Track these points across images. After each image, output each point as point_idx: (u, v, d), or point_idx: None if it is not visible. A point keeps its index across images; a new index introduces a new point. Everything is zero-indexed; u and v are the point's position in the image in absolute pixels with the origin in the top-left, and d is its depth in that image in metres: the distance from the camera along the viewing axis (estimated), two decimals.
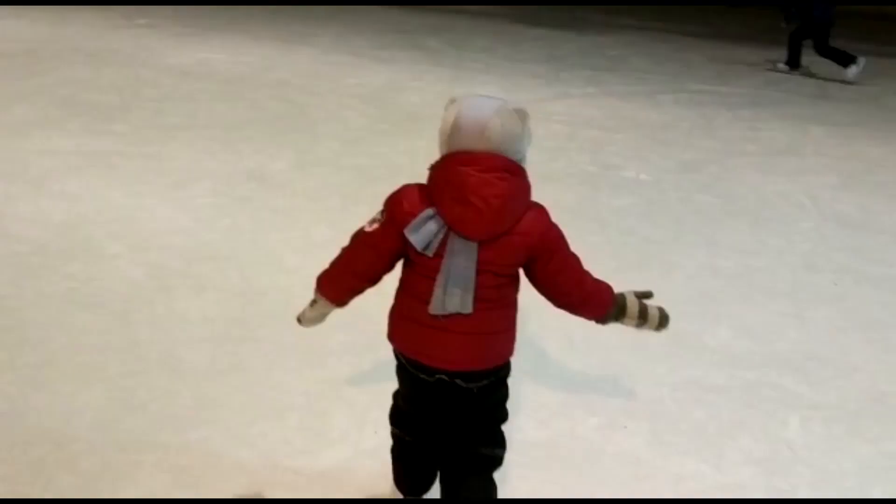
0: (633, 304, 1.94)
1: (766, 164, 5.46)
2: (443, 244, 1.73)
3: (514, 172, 1.74)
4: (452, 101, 1.79)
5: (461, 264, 1.73)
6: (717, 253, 4.04)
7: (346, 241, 1.88)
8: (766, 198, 4.84)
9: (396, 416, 2.06)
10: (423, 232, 1.73)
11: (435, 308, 1.76)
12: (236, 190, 4.44)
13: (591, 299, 1.89)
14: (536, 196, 1.80)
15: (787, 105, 7.12)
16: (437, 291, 1.75)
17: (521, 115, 1.77)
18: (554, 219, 1.81)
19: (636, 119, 6.41)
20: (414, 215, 1.73)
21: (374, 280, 1.89)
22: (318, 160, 5.02)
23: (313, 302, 1.96)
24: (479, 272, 1.75)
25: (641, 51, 9.41)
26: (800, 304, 3.55)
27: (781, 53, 8.63)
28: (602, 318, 1.93)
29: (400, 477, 2.10)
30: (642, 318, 1.94)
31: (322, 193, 4.46)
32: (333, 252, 1.90)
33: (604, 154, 5.49)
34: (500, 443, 1.96)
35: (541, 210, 1.81)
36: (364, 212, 1.88)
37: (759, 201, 4.78)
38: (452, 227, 1.72)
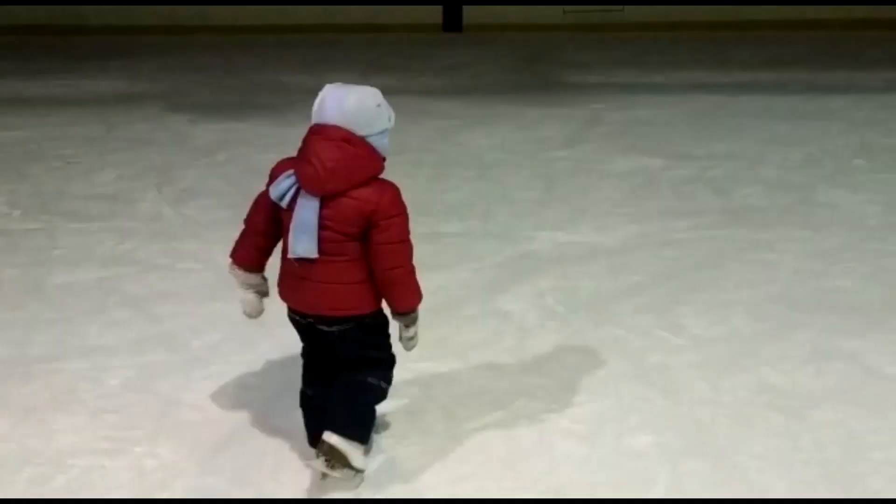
0: (415, 321, 2.35)
1: None
2: (294, 199, 2.16)
3: (352, 143, 2.16)
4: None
5: (305, 215, 2.14)
6: None
7: None
8: None
9: (303, 373, 2.47)
10: (279, 187, 2.19)
11: (290, 252, 2.19)
12: None
13: (397, 287, 2.24)
14: None
15: None
16: (290, 237, 2.18)
17: (372, 95, 2.22)
18: None
19: None
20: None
21: (267, 234, 2.33)
22: None
23: (242, 282, 2.38)
24: (322, 227, 2.15)
25: None
26: None
27: None
28: (398, 313, 2.31)
29: (308, 429, 2.45)
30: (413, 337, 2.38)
31: None
32: None
33: None
34: (384, 377, 2.35)
35: (388, 186, 2.22)
36: None
37: None
38: (299, 183, 2.17)
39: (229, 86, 8.21)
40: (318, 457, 2.24)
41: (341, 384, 2.31)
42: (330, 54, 9.57)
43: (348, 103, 2.15)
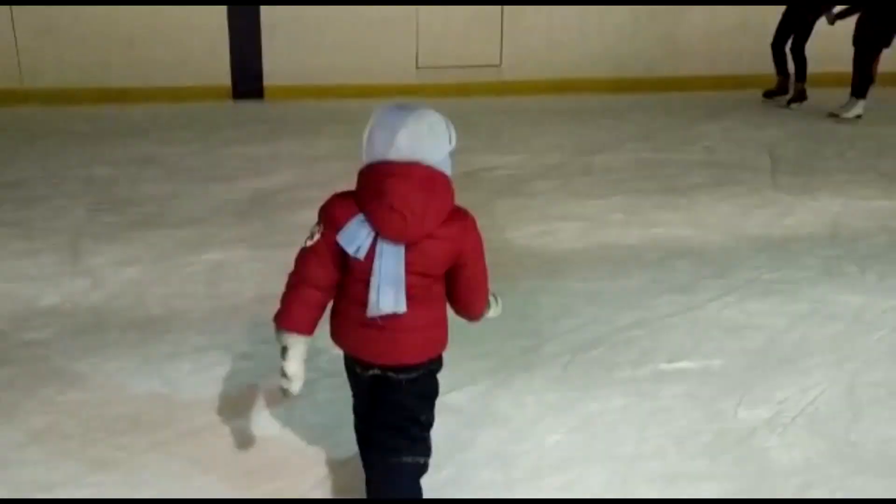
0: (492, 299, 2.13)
1: None
2: (372, 248, 1.82)
3: (435, 180, 1.82)
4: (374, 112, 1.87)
5: (391, 266, 1.81)
6: None
7: None
8: None
9: (357, 432, 2.18)
10: (353, 237, 1.81)
11: (371, 310, 1.83)
12: None
13: (478, 305, 2.02)
14: None
15: None
16: (371, 294, 1.82)
17: (437, 121, 1.84)
18: None
19: None
20: (346, 221, 1.82)
21: (327, 289, 1.91)
22: None
23: (283, 350, 1.91)
24: (407, 273, 1.83)
25: None
26: None
27: None
28: (478, 317, 2.08)
29: None
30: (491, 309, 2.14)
31: None
32: None
33: None
34: (424, 452, 2.00)
35: (468, 219, 1.90)
36: None
37: None
38: (380, 232, 1.81)
39: None
40: None
41: (385, 474, 1.96)
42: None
43: (422, 132, 1.80)
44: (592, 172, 5.31)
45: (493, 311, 2.14)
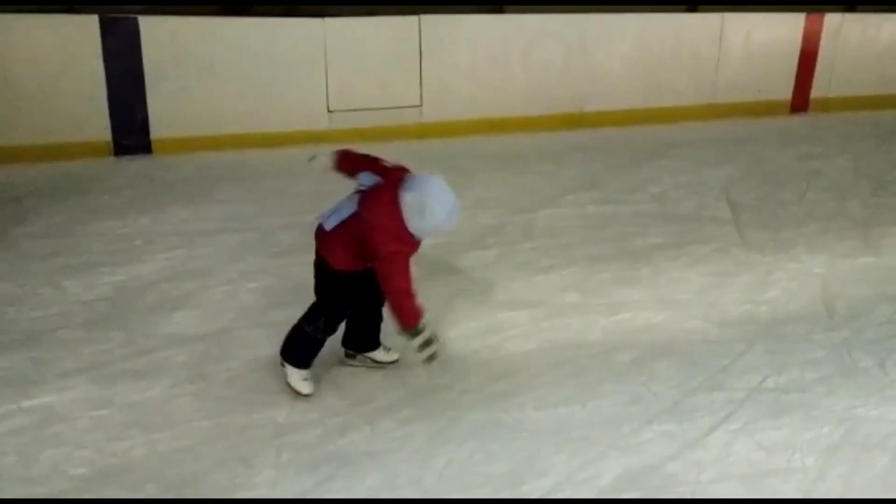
0: (422, 336, 2.70)
1: None
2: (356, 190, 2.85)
3: (392, 220, 2.66)
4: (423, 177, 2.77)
5: (346, 208, 2.78)
6: None
7: None
8: None
9: None
10: (361, 179, 2.83)
11: (322, 216, 2.85)
12: None
13: (394, 307, 2.72)
14: None
15: None
16: (331, 208, 2.84)
17: (424, 212, 2.62)
18: None
19: None
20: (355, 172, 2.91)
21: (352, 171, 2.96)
22: None
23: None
24: (345, 221, 2.75)
25: None
26: None
27: None
28: (399, 325, 2.74)
29: None
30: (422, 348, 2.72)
31: None
32: None
33: None
34: (311, 322, 2.90)
35: (377, 216, 2.70)
36: None
37: None
38: (360, 194, 2.80)
39: None
40: None
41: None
42: None
43: (412, 209, 2.61)
44: (536, 235, 4.53)
45: (416, 341, 2.68)
